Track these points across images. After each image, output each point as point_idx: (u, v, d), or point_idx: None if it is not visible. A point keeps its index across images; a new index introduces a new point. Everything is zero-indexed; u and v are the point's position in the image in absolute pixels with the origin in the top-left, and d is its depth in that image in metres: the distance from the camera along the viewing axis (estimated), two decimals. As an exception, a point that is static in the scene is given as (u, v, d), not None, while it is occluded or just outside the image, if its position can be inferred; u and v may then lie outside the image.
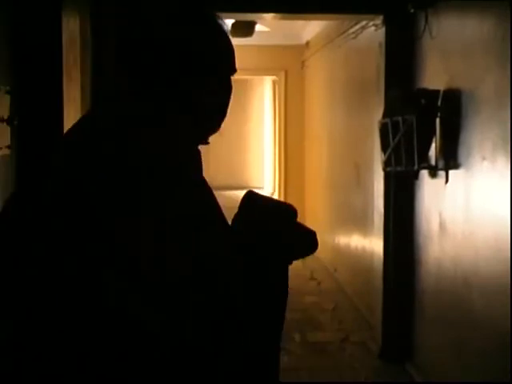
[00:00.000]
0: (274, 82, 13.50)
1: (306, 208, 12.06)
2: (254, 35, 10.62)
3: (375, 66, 6.66)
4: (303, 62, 12.43)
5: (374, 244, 6.88)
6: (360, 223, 7.89)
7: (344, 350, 6.76)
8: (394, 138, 5.58)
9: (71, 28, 3.81)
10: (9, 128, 2.94)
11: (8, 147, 2.96)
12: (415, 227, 6.09)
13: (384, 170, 5.95)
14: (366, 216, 7.48)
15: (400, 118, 5.47)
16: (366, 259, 7.53)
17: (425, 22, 5.63)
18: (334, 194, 9.63)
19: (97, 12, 4.90)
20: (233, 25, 10.05)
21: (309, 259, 10.84)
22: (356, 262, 8.25)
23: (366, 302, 7.59)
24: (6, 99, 2.90)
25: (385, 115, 5.82)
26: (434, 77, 5.58)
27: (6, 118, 2.86)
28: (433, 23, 5.53)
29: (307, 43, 11.97)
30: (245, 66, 12.44)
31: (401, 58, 6.22)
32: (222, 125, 1.81)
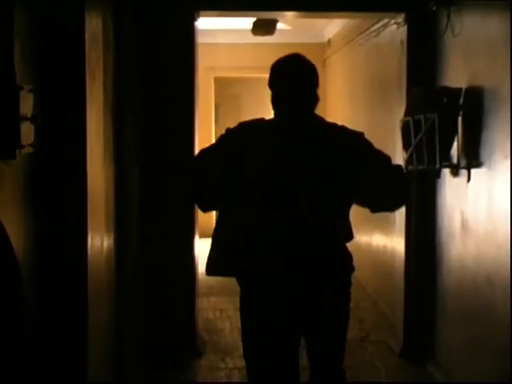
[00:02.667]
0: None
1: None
2: (276, 33, 10.61)
3: (397, 64, 6.64)
4: (324, 61, 12.40)
5: (395, 242, 6.87)
6: (381, 222, 7.87)
7: (365, 349, 6.75)
8: (415, 137, 5.56)
9: (94, 27, 3.83)
10: (32, 126, 2.95)
11: (31, 145, 2.98)
12: (437, 226, 6.08)
13: (406, 168, 5.94)
14: (387, 214, 7.44)
15: (422, 117, 5.45)
16: (387, 258, 7.52)
17: (447, 20, 5.60)
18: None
19: (119, 12, 4.92)
20: (254, 23, 10.05)
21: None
22: (377, 260, 8.23)
23: (387, 301, 7.57)
24: (30, 98, 2.91)
25: (407, 114, 5.80)
26: (456, 75, 5.56)
27: (29, 116, 2.87)
28: (455, 21, 5.51)
29: (329, 41, 11.94)
30: (266, 65, 12.39)
31: (423, 56, 6.20)
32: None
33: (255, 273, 3.68)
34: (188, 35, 6.33)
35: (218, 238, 3.76)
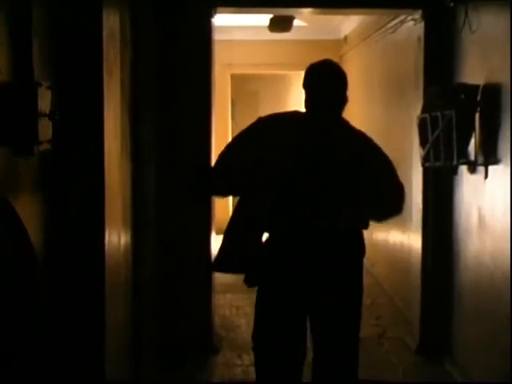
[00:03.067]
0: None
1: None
2: (292, 30, 10.60)
3: (413, 60, 6.63)
4: (341, 57, 12.38)
5: (412, 239, 6.85)
6: (398, 218, 7.84)
7: (381, 346, 6.74)
8: (432, 134, 5.55)
9: (111, 24, 3.84)
10: (50, 123, 2.96)
11: (49, 142, 2.99)
12: (454, 222, 6.06)
13: (423, 165, 5.93)
14: (404, 211, 7.43)
15: (439, 113, 5.44)
16: (404, 254, 7.50)
17: (464, 17, 5.58)
18: (372, 189, 9.57)
19: (136, 9, 4.93)
20: (271, 20, 10.05)
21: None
22: (394, 257, 8.22)
23: (403, 297, 7.56)
24: (48, 94, 2.93)
25: (424, 110, 5.79)
26: (473, 71, 5.54)
27: (47, 112, 2.89)
28: (472, 17, 5.49)
29: (345, 38, 11.92)
30: (283, 61, 12.44)
31: (440, 53, 6.19)
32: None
33: (274, 266, 3.97)
34: (205, 32, 6.33)
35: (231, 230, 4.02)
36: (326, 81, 4.05)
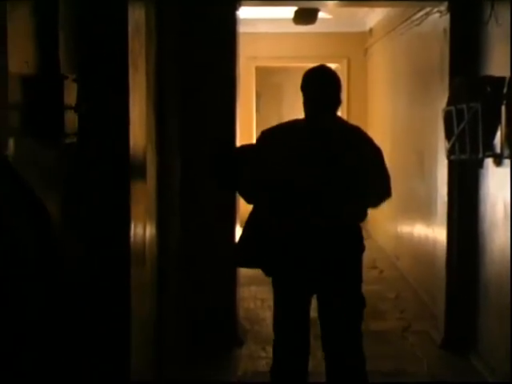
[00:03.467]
0: (336, 70, 13.44)
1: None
2: (317, 22, 10.57)
3: (439, 52, 6.59)
4: (366, 50, 12.34)
5: (437, 232, 6.83)
6: (423, 212, 7.84)
7: (406, 339, 6.73)
8: (458, 126, 5.52)
9: (137, 17, 3.85)
10: (76, 116, 2.98)
11: (75, 134, 3.00)
12: (479, 216, 6.03)
13: (448, 158, 5.90)
14: (429, 204, 7.42)
15: (465, 106, 5.41)
16: (428, 248, 7.48)
17: (491, 9, 5.55)
18: (397, 182, 9.54)
19: (161, 2, 4.94)
20: (295, 12, 10.03)
21: (371, 248, 10.81)
22: (419, 250, 8.20)
23: (428, 291, 7.54)
24: (74, 87, 2.94)
25: (449, 103, 5.76)
26: (499, 64, 5.50)
27: (73, 105, 2.90)
28: (499, 10, 5.45)
29: (370, 30, 11.88)
30: (307, 54, 12.41)
31: (466, 45, 6.15)
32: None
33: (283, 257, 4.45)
34: (229, 25, 6.34)
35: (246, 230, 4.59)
36: (319, 84, 4.46)
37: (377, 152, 4.53)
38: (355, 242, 4.56)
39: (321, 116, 4.47)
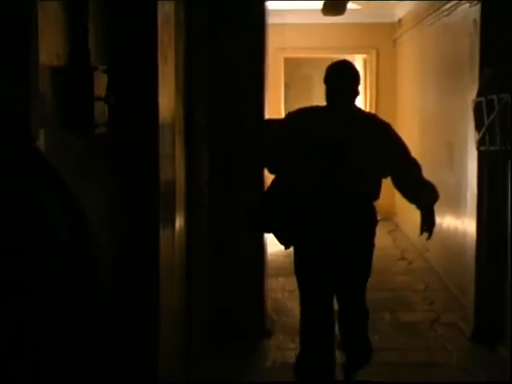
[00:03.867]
0: (364, 61, 13.37)
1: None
2: (346, 13, 10.53)
3: (469, 43, 6.55)
4: (395, 41, 12.29)
5: (466, 224, 6.80)
6: (452, 203, 7.80)
7: (435, 331, 6.71)
8: (488, 117, 5.49)
9: (166, 8, 3.86)
10: (106, 106, 2.99)
11: (105, 125, 3.02)
12: (509, 207, 5.99)
13: (478, 149, 5.87)
14: (458, 196, 7.38)
15: (495, 97, 5.38)
16: (458, 239, 7.44)
17: (521, -1, 5.51)
18: (426, 173, 9.50)
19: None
20: (325, 3, 9.99)
21: (399, 239, 10.79)
22: (448, 241, 8.16)
23: (457, 283, 7.51)
24: (104, 78, 2.95)
25: (479, 94, 5.73)
26: (530, 54, 5.47)
27: (103, 96, 2.92)
28: (530, -1, 5.41)
29: (399, 21, 11.82)
30: (336, 45, 12.38)
31: (496, 36, 6.10)
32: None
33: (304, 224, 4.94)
34: (258, 16, 6.33)
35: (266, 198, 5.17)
36: (338, 77, 5.05)
37: (392, 133, 5.11)
38: (370, 218, 5.06)
39: (338, 104, 5.05)
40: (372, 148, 4.94)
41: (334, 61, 5.18)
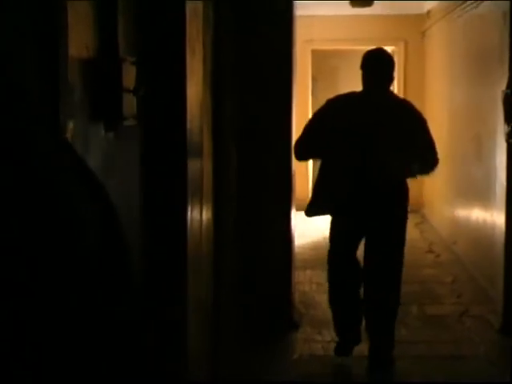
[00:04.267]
0: (393, 53, 13.32)
1: (424, 180, 11.91)
2: (374, 5, 10.49)
3: (498, 35, 6.51)
4: (423, 32, 12.22)
5: (495, 217, 6.76)
6: (481, 196, 7.76)
7: (463, 324, 6.68)
8: (517, 109, 5.45)
9: (194, 1, 3.86)
10: (134, 98, 3.00)
11: (134, 117, 3.03)
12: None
13: (507, 141, 5.83)
14: (487, 188, 7.34)
15: (525, 88, 5.34)
16: (486, 232, 7.41)
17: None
18: (454, 166, 9.48)
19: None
20: (353, -5, 9.97)
21: (427, 231, 10.75)
22: (476, 234, 8.12)
23: (486, 275, 7.47)
24: (132, 70, 2.96)
25: (509, 86, 5.69)
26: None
27: (131, 88, 2.93)
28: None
29: (428, 12, 11.75)
30: (364, 36, 12.33)
31: (526, 27, 6.06)
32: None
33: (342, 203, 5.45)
34: (286, 8, 6.32)
35: (316, 185, 5.66)
36: (374, 64, 5.45)
37: (422, 122, 5.58)
38: (403, 195, 5.55)
39: (374, 90, 5.48)
40: (402, 133, 5.43)
41: (371, 48, 5.66)
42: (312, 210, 5.64)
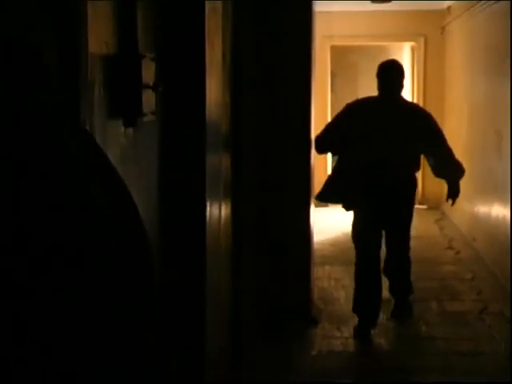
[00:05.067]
0: (412, 49, 13.27)
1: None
2: (394, 0, 10.46)
3: (519, 30, 6.47)
4: (443, 28, 12.17)
5: (515, 213, 6.73)
6: (501, 192, 7.72)
7: (483, 321, 6.65)
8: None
9: (213, -4, 3.86)
10: (154, 94, 3.00)
11: (153, 113, 3.03)
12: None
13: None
14: (507, 185, 7.31)
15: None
16: (506, 228, 7.38)
17: None
18: (474, 162, 9.44)
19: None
20: (372, -10, 9.95)
21: (446, 228, 10.71)
22: (496, 231, 8.09)
23: (506, 272, 7.44)
24: (152, 66, 2.97)
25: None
26: None
27: (151, 84, 2.93)
28: None
29: (448, 8, 11.70)
30: (383, 32, 12.30)
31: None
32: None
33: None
34: (305, 3, 6.31)
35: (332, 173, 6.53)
36: (388, 75, 6.41)
37: (432, 121, 6.48)
38: (412, 186, 6.50)
39: (388, 95, 6.39)
40: (413, 132, 6.32)
41: (385, 60, 6.69)
42: (323, 196, 6.48)
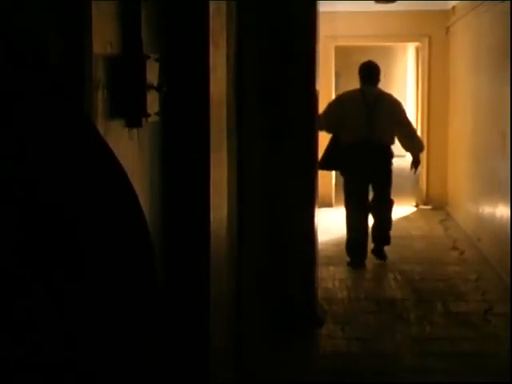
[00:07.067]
0: (417, 49, 13.27)
1: (448, 177, 11.86)
2: (398, 1, 10.44)
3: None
4: (448, 28, 12.15)
5: (520, 214, 6.72)
6: (505, 192, 7.71)
7: (488, 322, 6.64)
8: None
9: (217, -3, 3.86)
10: (158, 95, 3.00)
11: (157, 114, 3.03)
12: None
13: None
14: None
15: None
16: (511, 229, 7.36)
17: None
18: (478, 162, 9.44)
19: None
20: (376, -9, 9.96)
21: (451, 229, 10.70)
22: (501, 231, 8.08)
23: (510, 273, 7.42)
24: (156, 66, 2.96)
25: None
26: None
27: (155, 85, 2.92)
28: None
29: (453, 8, 11.68)
30: (387, 33, 12.29)
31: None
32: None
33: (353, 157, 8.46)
34: (309, 3, 6.31)
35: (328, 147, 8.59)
36: (368, 71, 8.67)
37: (401, 109, 8.80)
38: (389, 154, 8.61)
39: (368, 88, 8.61)
40: (388, 115, 8.50)
41: (364, 61, 8.83)
42: (324, 165, 8.21)
